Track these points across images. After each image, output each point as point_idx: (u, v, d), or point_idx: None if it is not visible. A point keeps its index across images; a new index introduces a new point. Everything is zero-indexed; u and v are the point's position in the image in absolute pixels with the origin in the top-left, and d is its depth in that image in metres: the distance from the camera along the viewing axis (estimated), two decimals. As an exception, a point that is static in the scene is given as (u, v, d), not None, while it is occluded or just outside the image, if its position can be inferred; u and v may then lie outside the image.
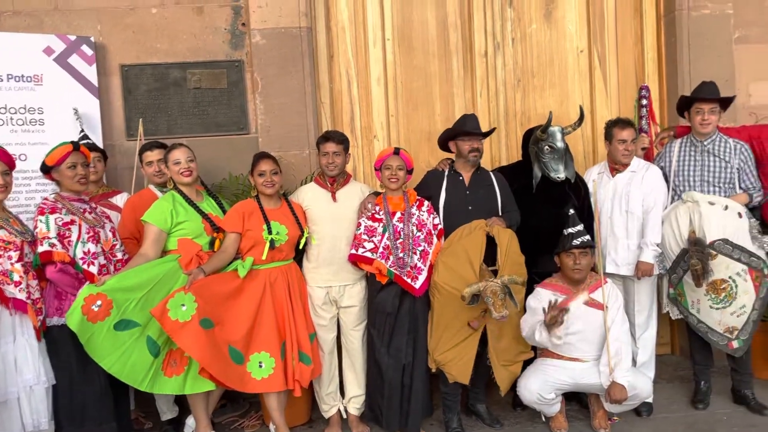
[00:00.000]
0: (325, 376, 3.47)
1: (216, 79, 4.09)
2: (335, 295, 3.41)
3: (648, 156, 4.01)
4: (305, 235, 3.34)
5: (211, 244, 3.19)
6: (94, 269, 2.93)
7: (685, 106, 3.61)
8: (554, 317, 3.03)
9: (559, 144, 3.46)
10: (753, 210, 3.48)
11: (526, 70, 4.44)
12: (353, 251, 3.32)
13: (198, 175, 3.31)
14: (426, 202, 3.44)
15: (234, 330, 3.09)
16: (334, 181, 3.44)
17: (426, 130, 4.37)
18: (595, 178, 3.68)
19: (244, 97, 4.12)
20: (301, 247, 3.36)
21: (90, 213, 3.07)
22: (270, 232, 3.20)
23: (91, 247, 2.95)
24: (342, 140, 3.43)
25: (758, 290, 3.31)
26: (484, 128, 3.65)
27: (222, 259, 3.17)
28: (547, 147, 3.47)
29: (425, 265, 3.33)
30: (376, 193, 3.47)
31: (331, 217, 3.39)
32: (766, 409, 3.38)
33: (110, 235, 3.10)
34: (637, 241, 3.51)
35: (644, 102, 4.35)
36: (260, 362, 3.15)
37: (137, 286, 2.93)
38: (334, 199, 3.43)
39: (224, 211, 3.33)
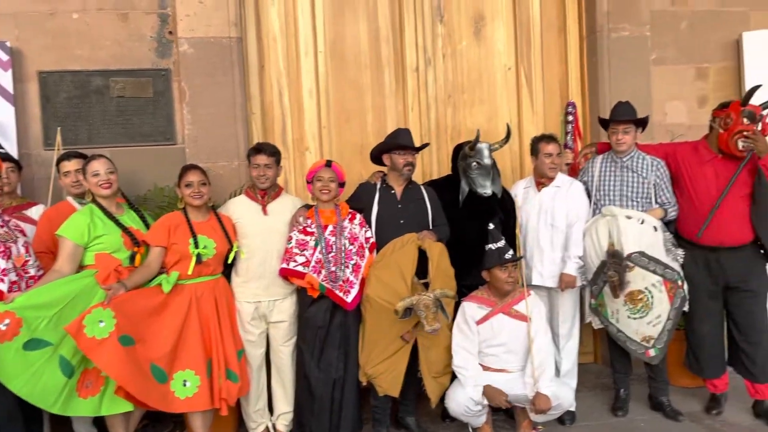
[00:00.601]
0: (252, 393, 3.40)
1: (141, 88, 3.97)
2: (264, 310, 3.36)
3: (572, 171, 4.16)
4: (234, 249, 3.27)
5: (131, 259, 3.07)
6: (3, 286, 2.77)
7: (603, 125, 3.76)
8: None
9: (486, 161, 3.54)
10: (668, 224, 3.65)
11: (457, 85, 4.53)
12: (284, 265, 3.28)
13: (118, 188, 3.19)
14: (358, 216, 3.45)
15: (156, 347, 2.98)
16: (265, 193, 3.39)
17: (358, 142, 4.38)
18: (522, 192, 3.79)
19: (171, 106, 4.01)
20: (229, 261, 3.29)
21: (2, 227, 2.90)
22: (197, 246, 3.12)
23: (1, 263, 2.79)
24: (274, 152, 3.40)
25: (672, 300, 3.47)
26: (416, 142, 3.69)
27: (145, 274, 3.07)
28: (474, 163, 3.55)
29: (357, 279, 3.33)
30: (308, 206, 3.44)
31: (262, 230, 3.34)
32: (681, 415, 3.54)
33: (23, 250, 2.94)
34: (561, 254, 3.62)
35: (570, 118, 4.51)
36: (185, 380, 3.05)
37: (49, 304, 2.79)
38: (265, 212, 3.38)
39: (147, 225, 3.22)
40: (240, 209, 3.38)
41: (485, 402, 3.27)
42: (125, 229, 3.11)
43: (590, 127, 4.49)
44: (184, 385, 3.04)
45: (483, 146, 3.57)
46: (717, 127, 3.48)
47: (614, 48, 4.37)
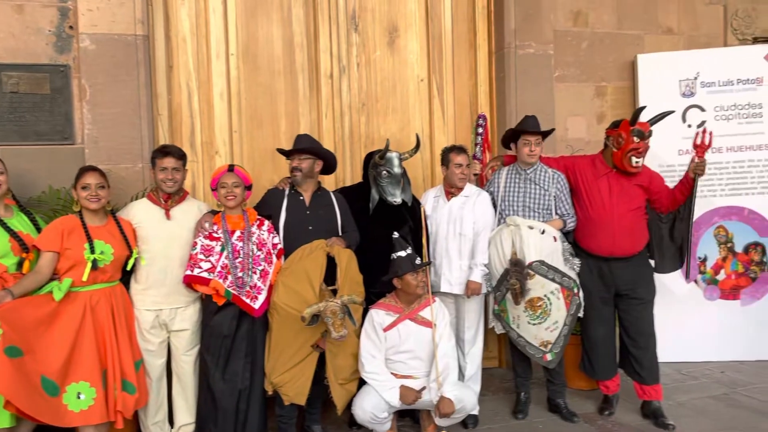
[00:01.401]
0: (152, 405, 3.28)
1: (37, 84, 3.75)
2: (166, 319, 3.24)
3: (480, 182, 4.29)
4: (134, 255, 3.14)
5: (19, 265, 2.89)
6: None
7: (512, 137, 3.90)
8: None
9: (396, 169, 3.59)
10: (566, 234, 3.83)
11: (371, 94, 4.57)
12: (188, 272, 3.19)
13: (8, 188, 3.00)
14: (266, 221, 3.40)
15: (47, 359, 2.82)
16: (169, 197, 3.28)
17: (271, 147, 4.32)
18: (431, 201, 3.87)
19: (70, 104, 3.81)
20: (129, 268, 3.16)
21: None
22: (93, 251, 2.98)
23: None
24: (182, 155, 3.31)
25: (569, 307, 3.64)
26: (329, 149, 3.69)
27: (34, 281, 2.89)
28: (384, 172, 3.59)
29: (265, 285, 3.28)
30: (214, 212, 3.36)
31: (164, 236, 3.23)
32: (576, 417, 3.70)
33: None
34: (469, 262, 3.72)
35: (480, 130, 4.64)
36: (79, 393, 2.90)
37: None
38: (168, 216, 3.27)
39: (38, 229, 3.04)
40: (141, 213, 3.25)
41: (398, 406, 3.30)
42: (14, 234, 2.93)
43: (498, 139, 4.64)
44: (79, 397, 2.89)
45: (393, 155, 3.61)
46: (611, 146, 3.69)
47: (521, 64, 4.56)
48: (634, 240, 3.68)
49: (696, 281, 4.64)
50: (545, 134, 3.84)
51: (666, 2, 4.90)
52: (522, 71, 4.55)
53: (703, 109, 4.62)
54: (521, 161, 3.84)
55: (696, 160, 3.59)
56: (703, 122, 4.59)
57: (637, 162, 3.61)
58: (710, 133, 3.62)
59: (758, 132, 4.58)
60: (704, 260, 4.64)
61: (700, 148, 3.58)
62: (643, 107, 3.68)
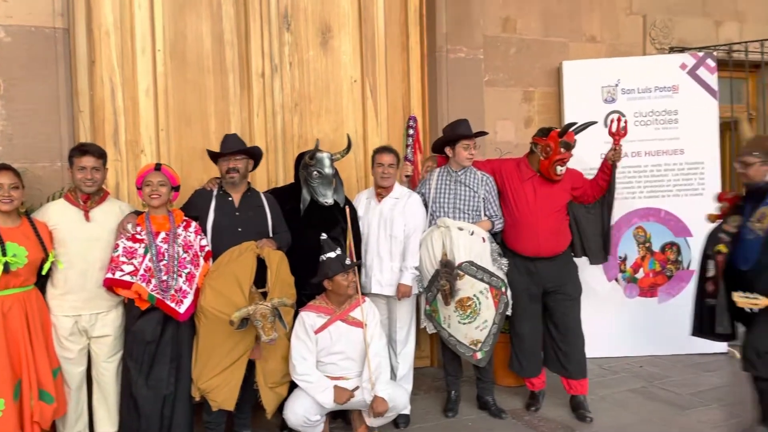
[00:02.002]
0: (71, 415, 3.14)
1: (-56, 76, 3.53)
2: (85, 325, 3.11)
3: (413, 182, 4.33)
4: (50, 258, 3.00)
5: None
6: None
7: (448, 141, 3.93)
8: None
9: (327, 170, 3.58)
10: (494, 235, 3.91)
11: (304, 94, 4.53)
12: (109, 275, 3.07)
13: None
14: (193, 223, 3.32)
15: (-48, 370, 2.66)
16: (88, 198, 3.15)
17: (200, 147, 4.21)
18: (364, 202, 3.88)
19: (-19, 99, 3.61)
20: (44, 272, 3.01)
21: None
22: (4, 254, 2.82)
23: None
24: (101, 154, 3.18)
25: (497, 306, 3.72)
26: (263, 150, 3.63)
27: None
28: (315, 172, 3.57)
29: (191, 289, 3.20)
30: (138, 212, 3.25)
31: (83, 238, 3.10)
32: (504, 413, 3.80)
33: None
34: (399, 264, 3.74)
35: (411, 131, 4.69)
36: (-13, 405, 2.74)
37: None
38: (88, 218, 3.14)
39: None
40: (58, 215, 3.10)
41: (331, 408, 3.28)
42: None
43: (429, 141, 4.70)
44: (-14, 410, 2.73)
45: (324, 155, 3.60)
46: (538, 153, 3.81)
47: (452, 68, 4.63)
48: (558, 241, 3.82)
49: (617, 279, 4.85)
50: (478, 136, 3.94)
51: (589, 12, 5.10)
52: (453, 75, 4.63)
53: (623, 115, 4.81)
54: (456, 164, 3.90)
55: (614, 147, 3.74)
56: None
57: (561, 170, 3.76)
58: (625, 121, 3.80)
59: (674, 137, 4.83)
60: (624, 259, 4.85)
61: (617, 136, 3.76)
62: (573, 123, 3.84)
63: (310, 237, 3.51)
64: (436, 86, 4.63)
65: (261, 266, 3.26)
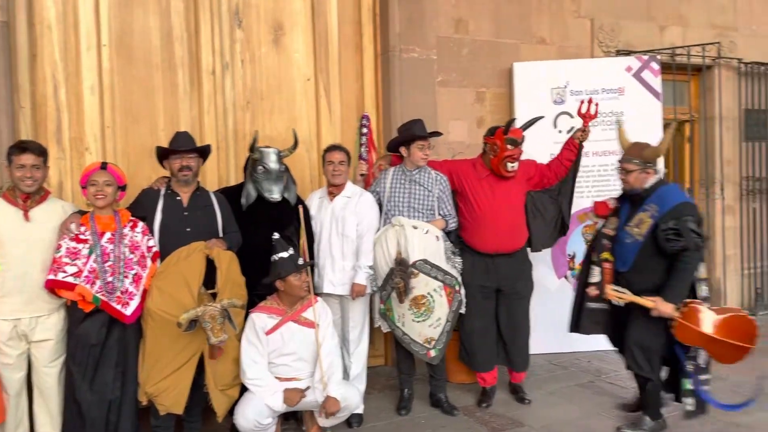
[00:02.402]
0: (10, 422, 3.03)
1: None
2: (25, 329, 3.01)
3: (367, 181, 4.33)
4: (-13, 259, 2.88)
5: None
6: None
7: (403, 141, 3.94)
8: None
9: (273, 165, 3.54)
10: (448, 234, 3.96)
11: (256, 92, 4.47)
12: (51, 276, 2.98)
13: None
14: (140, 223, 3.24)
15: None
16: (28, 197, 3.04)
17: (148, 145, 4.10)
18: (316, 201, 3.86)
19: None
20: (-20, 274, 2.89)
21: None
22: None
23: None
24: (42, 151, 3.08)
25: (451, 304, 3.76)
26: (214, 148, 3.57)
27: None
28: (260, 167, 3.53)
29: (138, 290, 3.12)
30: (82, 212, 3.16)
31: (23, 238, 2.99)
32: (456, 410, 3.83)
33: None
34: (352, 263, 3.73)
35: (365, 130, 4.69)
36: None
37: None
38: (27, 218, 3.03)
39: None
40: (-6, 215, 2.99)
41: (282, 411, 3.24)
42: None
43: (383, 140, 4.71)
44: None
45: (270, 150, 3.57)
46: (489, 152, 3.87)
47: (405, 68, 4.65)
48: (517, 236, 3.91)
49: (566, 277, 4.95)
50: (432, 136, 3.96)
51: (539, 14, 5.18)
52: (406, 75, 4.64)
53: (572, 116, 4.92)
54: (411, 163, 3.92)
55: (583, 128, 3.87)
56: (572, 128, 4.88)
57: (512, 167, 3.82)
58: (596, 104, 3.91)
59: (620, 138, 4.96)
60: (573, 257, 4.95)
61: (587, 117, 3.86)
62: (513, 119, 3.94)
63: (260, 236, 3.47)
64: (390, 86, 4.64)
65: (210, 267, 3.20)
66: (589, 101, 3.90)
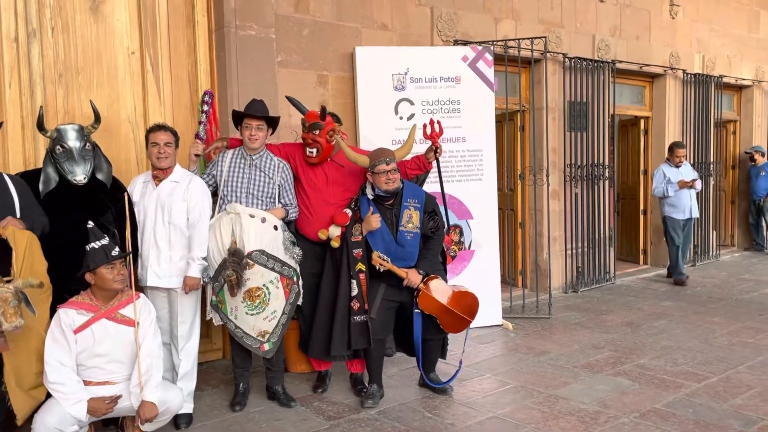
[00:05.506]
0: None
1: None
2: None
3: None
4: None
5: None
6: None
7: (236, 120, 3.75)
8: None
9: (72, 143, 3.21)
10: (288, 223, 3.82)
11: (70, 64, 4.02)
12: None
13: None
14: None
15: None
16: None
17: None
18: (140, 186, 3.55)
19: None
20: None
21: None
22: None
23: None
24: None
25: (288, 296, 3.65)
26: (16, 125, 3.13)
27: None
28: (58, 147, 3.20)
29: None
30: None
31: None
32: (293, 401, 3.72)
33: None
34: (181, 253, 3.47)
35: (206, 108, 4.36)
36: None
37: None
38: None
39: None
40: None
41: (89, 420, 2.94)
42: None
43: (218, 121, 4.45)
44: None
45: (68, 127, 3.25)
46: None
47: (242, 46, 4.41)
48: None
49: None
50: (271, 120, 3.77)
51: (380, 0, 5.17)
52: (243, 53, 4.41)
53: (412, 103, 5.00)
54: (245, 146, 3.73)
55: (434, 147, 3.93)
56: (412, 115, 4.97)
57: (310, 152, 3.77)
58: (438, 122, 3.98)
59: (457, 126, 5.12)
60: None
61: (435, 136, 3.92)
62: (296, 101, 4.05)
63: (68, 224, 3.12)
64: (226, 64, 4.38)
65: (5, 250, 2.81)
66: (432, 122, 3.95)
